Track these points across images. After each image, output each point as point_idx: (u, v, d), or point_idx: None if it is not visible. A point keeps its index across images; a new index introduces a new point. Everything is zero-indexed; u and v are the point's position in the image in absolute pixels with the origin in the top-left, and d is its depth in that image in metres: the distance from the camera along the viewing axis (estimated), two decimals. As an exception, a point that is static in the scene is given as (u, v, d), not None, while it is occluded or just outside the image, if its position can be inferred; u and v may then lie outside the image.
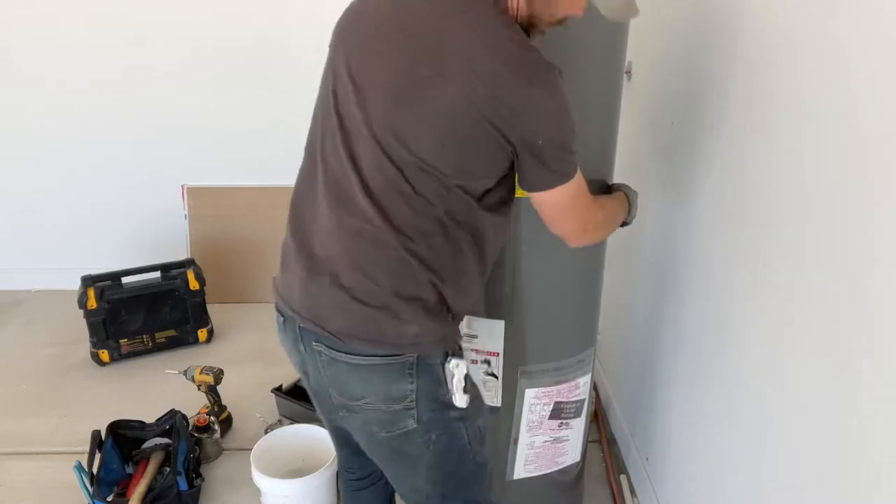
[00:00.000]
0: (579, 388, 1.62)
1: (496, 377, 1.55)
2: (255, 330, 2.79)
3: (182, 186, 2.95)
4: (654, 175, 1.86)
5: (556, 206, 1.15)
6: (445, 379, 1.17)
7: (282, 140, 2.90)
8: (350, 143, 1.13)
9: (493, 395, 1.58)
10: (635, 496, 1.97)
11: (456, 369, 1.16)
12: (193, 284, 2.63)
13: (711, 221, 1.48)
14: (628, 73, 1.95)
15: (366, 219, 1.12)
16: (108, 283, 2.56)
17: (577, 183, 1.14)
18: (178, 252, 2.89)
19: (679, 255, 1.67)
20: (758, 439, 1.28)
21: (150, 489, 1.86)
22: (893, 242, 0.90)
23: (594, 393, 2.32)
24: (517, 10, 1.09)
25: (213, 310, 2.74)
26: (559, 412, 1.62)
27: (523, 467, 1.66)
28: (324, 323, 1.15)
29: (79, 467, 1.83)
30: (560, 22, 1.14)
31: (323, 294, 1.15)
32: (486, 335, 1.53)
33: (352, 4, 1.21)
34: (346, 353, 1.15)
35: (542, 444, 1.64)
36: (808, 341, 1.10)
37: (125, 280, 2.59)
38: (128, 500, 1.80)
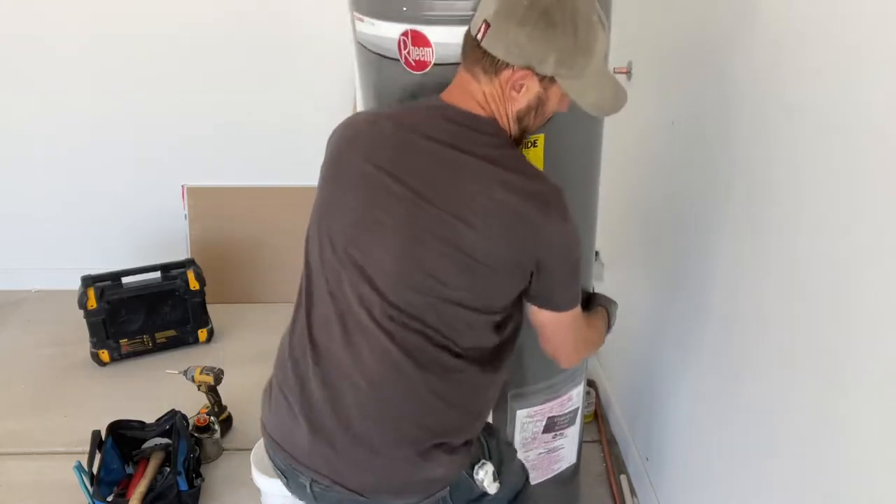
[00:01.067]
0: (572, 399, 1.59)
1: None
2: (255, 330, 2.79)
3: (182, 186, 2.95)
4: (653, 175, 1.86)
5: (559, 326, 1.18)
6: (476, 483, 1.17)
7: (282, 140, 2.90)
8: (362, 282, 1.09)
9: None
10: (635, 496, 1.97)
11: (485, 475, 1.17)
12: (193, 284, 2.63)
13: (712, 220, 1.48)
14: (628, 72, 1.95)
15: (385, 359, 1.08)
16: (108, 283, 2.56)
17: (579, 308, 1.18)
18: (178, 252, 2.88)
19: (679, 255, 1.67)
20: (758, 439, 1.28)
21: (150, 489, 1.86)
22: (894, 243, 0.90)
23: (594, 393, 2.32)
24: (510, 132, 1.12)
25: (213, 310, 2.74)
26: (553, 426, 1.59)
27: None
28: (343, 481, 1.11)
29: (79, 467, 1.83)
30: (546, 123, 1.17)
31: (336, 449, 1.10)
32: None
33: (345, 133, 1.17)
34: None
35: (538, 456, 1.62)
36: (810, 342, 1.10)
37: (125, 280, 2.59)
38: (128, 501, 1.81)
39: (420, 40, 1.15)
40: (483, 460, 1.18)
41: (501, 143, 1.10)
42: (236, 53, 2.75)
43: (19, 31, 2.70)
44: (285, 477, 1.19)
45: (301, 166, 2.82)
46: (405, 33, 1.15)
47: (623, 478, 2.03)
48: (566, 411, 1.60)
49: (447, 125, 1.08)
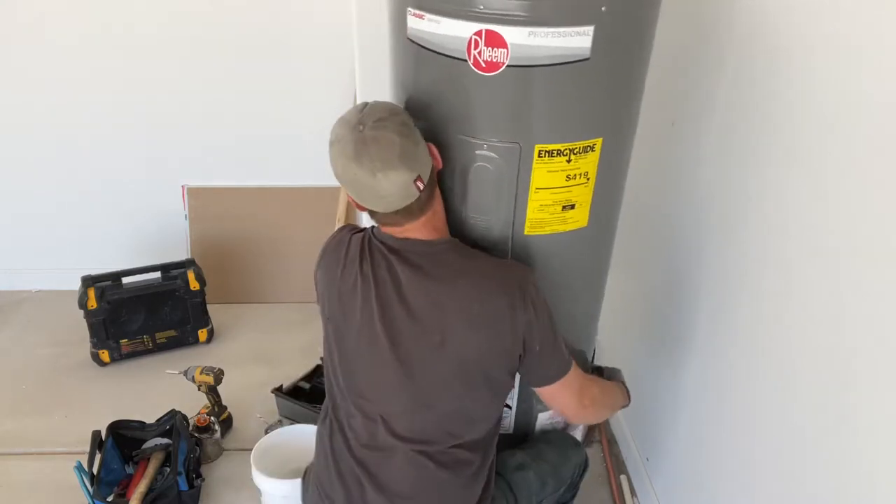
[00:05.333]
0: None
1: (510, 407, 1.53)
2: (255, 330, 2.79)
3: (182, 186, 2.95)
4: (654, 174, 1.86)
5: (558, 394, 1.32)
6: None
7: (282, 140, 2.89)
8: (388, 401, 1.28)
9: (506, 424, 1.56)
10: (635, 496, 1.97)
11: None
12: (194, 284, 2.63)
13: (712, 220, 1.48)
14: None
15: (416, 469, 1.27)
16: (109, 283, 2.56)
17: (577, 370, 1.32)
18: (179, 252, 2.88)
19: (681, 255, 1.67)
20: (758, 439, 1.28)
21: (150, 489, 1.86)
22: (893, 242, 0.90)
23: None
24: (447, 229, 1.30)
25: (213, 310, 2.74)
26: (569, 424, 1.63)
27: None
28: None
29: (79, 467, 1.83)
30: None
31: None
32: None
33: (335, 262, 1.31)
34: None
35: None
36: (809, 342, 1.10)
37: (125, 280, 2.59)
38: (128, 501, 1.81)
39: (495, 40, 1.12)
40: None
41: (454, 250, 1.25)
42: (236, 53, 2.75)
43: (20, 32, 2.70)
44: None
45: (301, 166, 2.84)
46: (478, 32, 1.12)
47: (623, 478, 2.03)
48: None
49: (410, 255, 1.24)
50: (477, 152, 1.24)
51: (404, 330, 1.23)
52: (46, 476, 2.05)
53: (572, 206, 1.29)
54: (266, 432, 2.13)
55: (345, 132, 1.15)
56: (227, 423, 2.24)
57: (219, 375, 2.17)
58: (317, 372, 2.37)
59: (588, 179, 1.27)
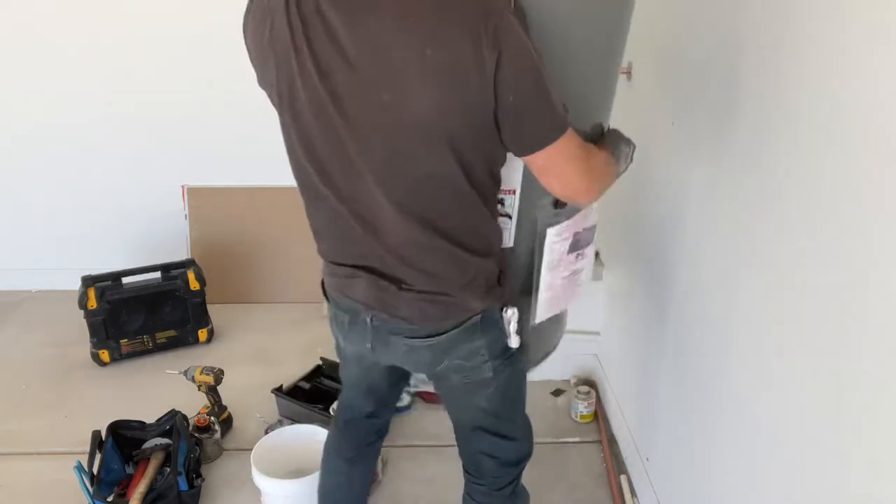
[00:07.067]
0: (592, 210, 1.43)
1: (510, 217, 1.34)
2: (255, 330, 2.79)
3: (182, 186, 2.96)
4: (655, 173, 1.86)
5: (556, 161, 1.08)
6: (503, 326, 1.28)
7: (282, 140, 2.90)
8: (359, 179, 1.13)
9: (506, 237, 1.37)
10: (635, 496, 1.97)
11: (512, 317, 1.28)
12: (194, 284, 2.63)
13: (713, 220, 1.48)
14: (628, 73, 1.95)
15: (409, 234, 1.16)
16: (109, 283, 2.56)
17: (574, 135, 1.07)
18: (179, 252, 2.89)
19: (681, 253, 1.67)
20: (758, 439, 1.28)
21: (150, 489, 1.86)
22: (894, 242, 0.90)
23: (594, 393, 2.32)
24: None
25: (213, 310, 2.75)
26: (577, 244, 1.44)
27: (545, 311, 1.49)
28: (395, 311, 1.23)
29: (79, 468, 1.83)
30: None
31: (390, 295, 1.23)
32: (503, 170, 1.26)
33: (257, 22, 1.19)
34: (421, 337, 1.26)
35: (561, 281, 1.47)
36: (810, 341, 1.10)
37: (125, 280, 2.59)
38: (128, 501, 1.81)
39: None
40: (513, 307, 1.28)
41: None
42: (237, 53, 2.74)
43: (20, 31, 2.71)
44: (347, 317, 1.32)
45: (301, 166, 2.84)
46: None
47: (623, 478, 2.04)
48: (589, 225, 1.44)
49: None
50: None
51: (344, 86, 1.02)
52: (46, 476, 2.05)
53: None
54: (266, 432, 2.13)
55: None
56: (227, 423, 2.25)
57: (219, 375, 2.18)
58: (317, 372, 2.37)
59: None
